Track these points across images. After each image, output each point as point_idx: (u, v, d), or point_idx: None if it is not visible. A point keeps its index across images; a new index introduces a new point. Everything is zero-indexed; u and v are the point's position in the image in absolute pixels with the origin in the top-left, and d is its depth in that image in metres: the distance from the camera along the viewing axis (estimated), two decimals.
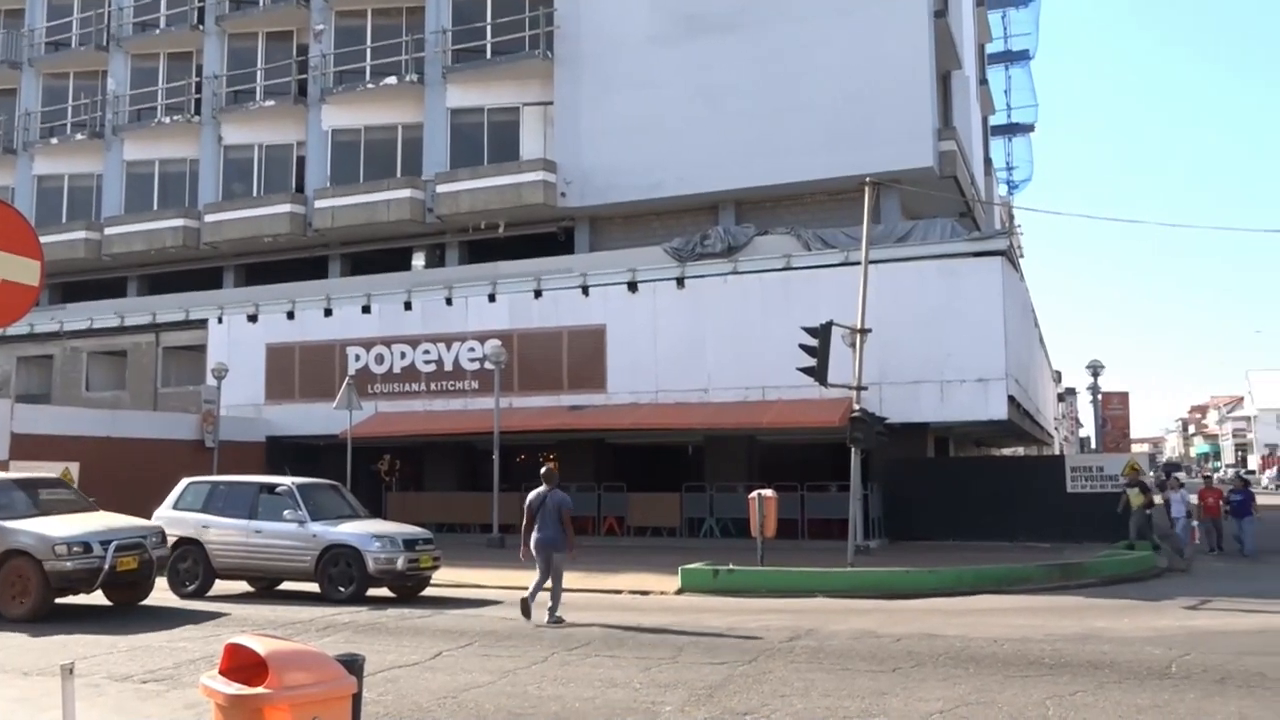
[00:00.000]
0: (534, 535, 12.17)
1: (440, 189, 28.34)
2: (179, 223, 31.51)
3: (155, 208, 32.72)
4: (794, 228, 25.01)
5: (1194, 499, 22.29)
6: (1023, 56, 43.23)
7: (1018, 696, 7.92)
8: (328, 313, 27.74)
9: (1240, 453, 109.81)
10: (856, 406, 17.78)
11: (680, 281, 24.66)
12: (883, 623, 11.87)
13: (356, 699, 5.16)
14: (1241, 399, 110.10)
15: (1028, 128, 44.74)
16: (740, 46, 26.10)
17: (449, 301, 26.67)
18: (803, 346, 17.67)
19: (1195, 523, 21.09)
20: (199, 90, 32.63)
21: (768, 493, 17.11)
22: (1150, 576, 16.84)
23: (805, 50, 25.47)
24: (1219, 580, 16.45)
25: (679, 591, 15.40)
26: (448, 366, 26.49)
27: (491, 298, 26.32)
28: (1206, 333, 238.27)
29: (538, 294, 25.92)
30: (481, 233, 29.07)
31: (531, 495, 12.40)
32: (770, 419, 22.31)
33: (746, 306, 23.76)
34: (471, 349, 26.06)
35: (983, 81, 36.31)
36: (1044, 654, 9.67)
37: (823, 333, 17.52)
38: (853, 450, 17.53)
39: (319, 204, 29.61)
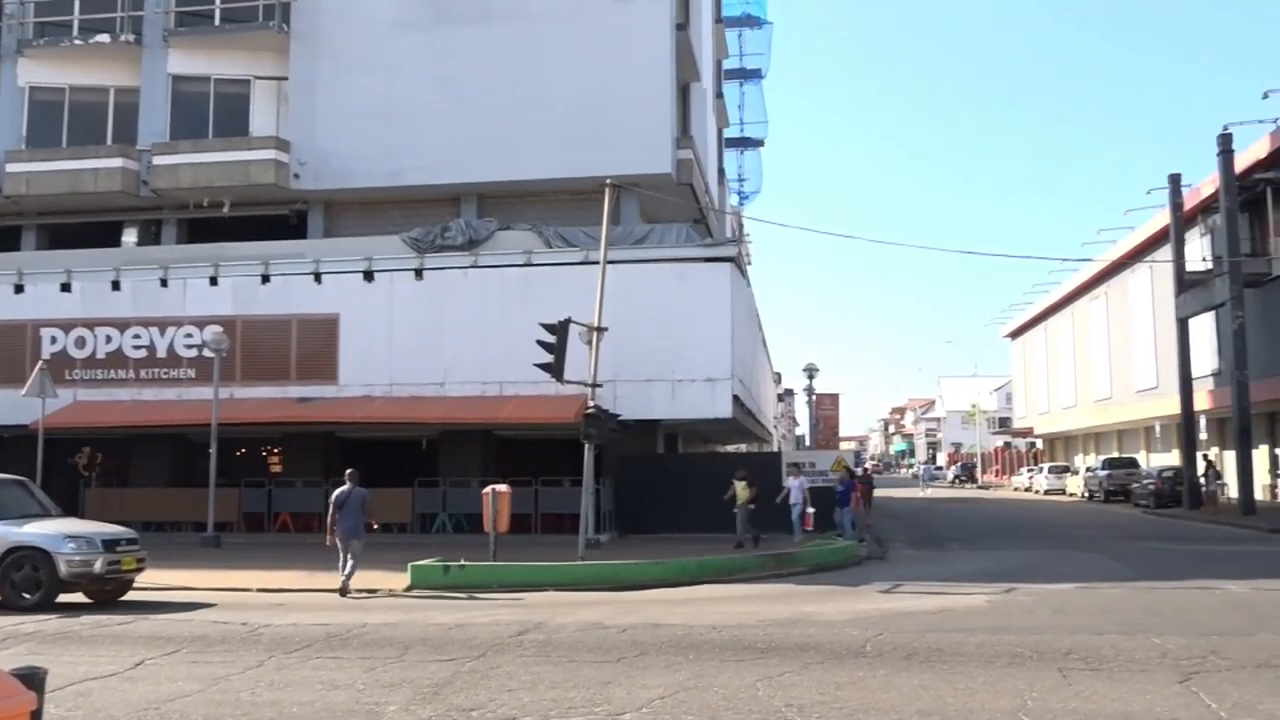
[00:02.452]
0: (339, 525, 14.73)
1: (158, 160, 26.23)
2: None
3: None
4: (536, 224, 25.15)
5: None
6: (755, 75, 45.70)
7: (732, 680, 8.37)
8: (19, 289, 25.02)
9: (931, 450, 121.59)
10: (591, 403, 18.13)
11: (419, 273, 24.19)
12: (610, 614, 12.18)
13: (36, 716, 4.66)
14: (934, 402, 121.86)
15: (758, 142, 47.36)
16: (488, 39, 25.92)
17: (164, 283, 24.79)
18: (541, 343, 17.80)
19: (810, 509, 20.83)
20: None
21: (502, 487, 17.10)
22: (852, 564, 18.28)
23: (552, 49, 25.66)
24: (910, 566, 18.11)
25: (409, 589, 15.11)
26: (161, 353, 24.61)
27: (213, 281, 24.70)
28: (907, 341, 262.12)
29: (265, 279, 24.58)
30: (204, 211, 27.18)
31: (337, 491, 15.05)
32: (507, 414, 22.34)
33: (486, 301, 23.66)
34: (189, 335, 24.35)
35: (719, 95, 38.04)
36: (757, 639, 10.27)
37: (561, 330, 17.72)
38: (586, 446, 17.86)
39: (11, 168, 26.59)
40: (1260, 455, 37.71)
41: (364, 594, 14.77)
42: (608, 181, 19.18)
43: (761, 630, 10.79)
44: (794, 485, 21.14)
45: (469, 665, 9.12)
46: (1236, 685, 7.86)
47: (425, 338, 23.73)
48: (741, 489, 20.33)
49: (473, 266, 24.12)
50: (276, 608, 13.23)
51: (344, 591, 14.45)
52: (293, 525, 24.22)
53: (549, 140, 25.28)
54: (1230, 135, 32.67)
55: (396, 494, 24.10)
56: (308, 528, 24.10)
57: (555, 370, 17.63)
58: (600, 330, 18.33)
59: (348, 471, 15.42)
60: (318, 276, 24.40)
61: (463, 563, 15.66)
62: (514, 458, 26.32)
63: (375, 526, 16.61)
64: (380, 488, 24.12)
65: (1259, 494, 34.48)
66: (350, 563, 14.60)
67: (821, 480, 23.65)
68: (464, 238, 24.78)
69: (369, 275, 24.21)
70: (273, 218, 27.27)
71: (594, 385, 18.19)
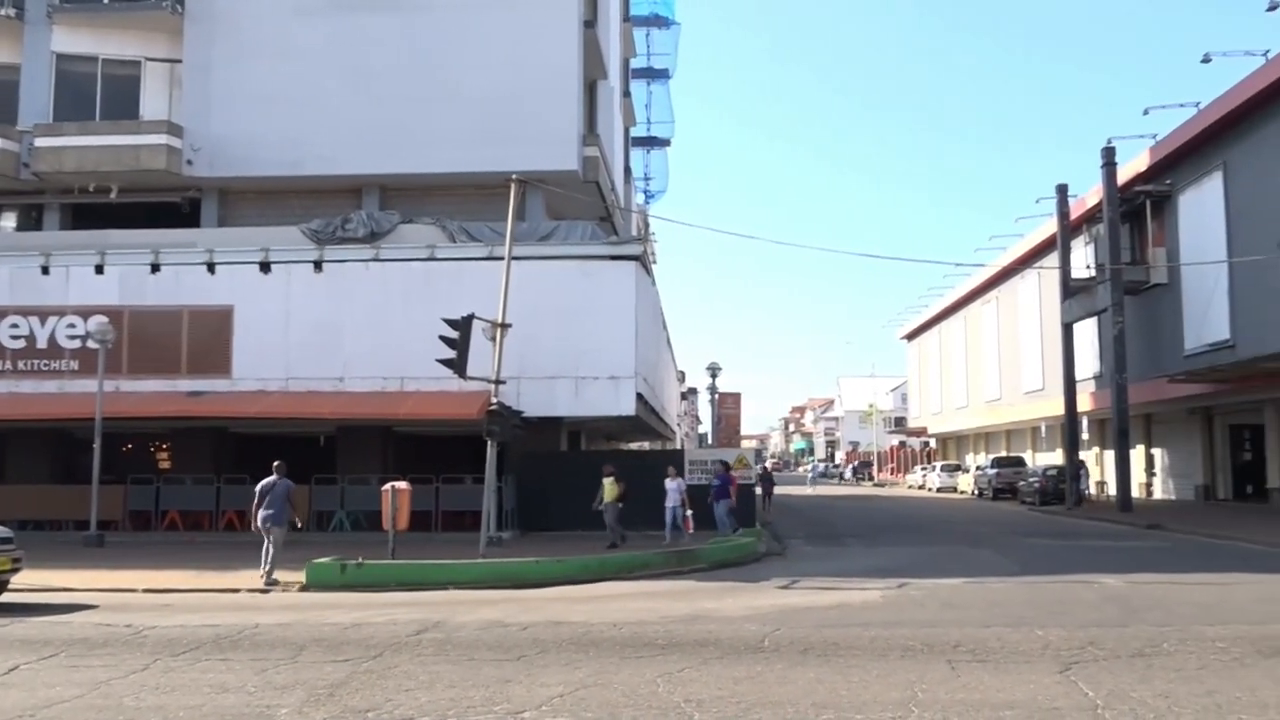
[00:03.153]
0: (261, 513, 15.31)
1: (40, 142, 25.06)
2: None
3: None
4: (440, 218, 24.83)
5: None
6: (663, 75, 45.92)
7: (633, 676, 8.41)
8: None
9: (830, 448, 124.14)
10: (494, 400, 18.00)
11: (318, 265, 23.66)
12: (511, 612, 12.11)
13: None
14: (833, 401, 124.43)
15: (664, 142, 47.60)
16: (393, 29, 25.50)
17: (46, 270, 23.73)
18: (443, 338, 17.59)
19: (689, 512, 20.39)
20: None
21: (401, 485, 16.86)
22: (752, 561, 18.53)
23: (459, 42, 25.39)
24: (808, 562, 18.45)
25: (304, 588, 14.76)
26: (41, 344, 23.55)
27: (99, 269, 23.73)
28: (808, 342, 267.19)
29: (155, 268, 23.73)
30: (90, 196, 26.09)
31: (263, 482, 15.59)
32: (408, 410, 22.01)
33: (388, 295, 23.28)
34: (72, 325, 23.36)
35: (626, 94, 38.13)
36: (658, 635, 10.34)
37: (464, 325, 17.55)
38: (489, 443, 17.72)
39: None
40: (1137, 455, 39.54)
41: (257, 593, 14.39)
42: (513, 177, 19.05)
43: (662, 627, 10.87)
44: (672, 487, 20.60)
45: (365, 665, 8.97)
46: (1112, 674, 8.22)
47: (324, 331, 23.21)
48: (609, 486, 19.73)
49: (374, 260, 23.69)
50: (163, 609, 12.78)
51: (267, 582, 14.85)
52: (182, 524, 23.42)
53: (455, 134, 25.00)
54: (1113, 149, 34.18)
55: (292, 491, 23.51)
56: (198, 526, 23.37)
57: (458, 366, 17.44)
58: (504, 326, 18.20)
59: (275, 464, 15.87)
60: (211, 267, 23.65)
61: (360, 561, 15.37)
62: (415, 454, 25.94)
63: (300, 524, 16.62)
64: None
65: (1136, 492, 36.15)
66: (272, 552, 15.13)
67: (718, 480, 23.93)
68: (366, 230, 24.33)
69: (266, 266, 23.56)
70: (164, 205, 26.33)
71: (497, 382, 18.05)
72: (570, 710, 7.33)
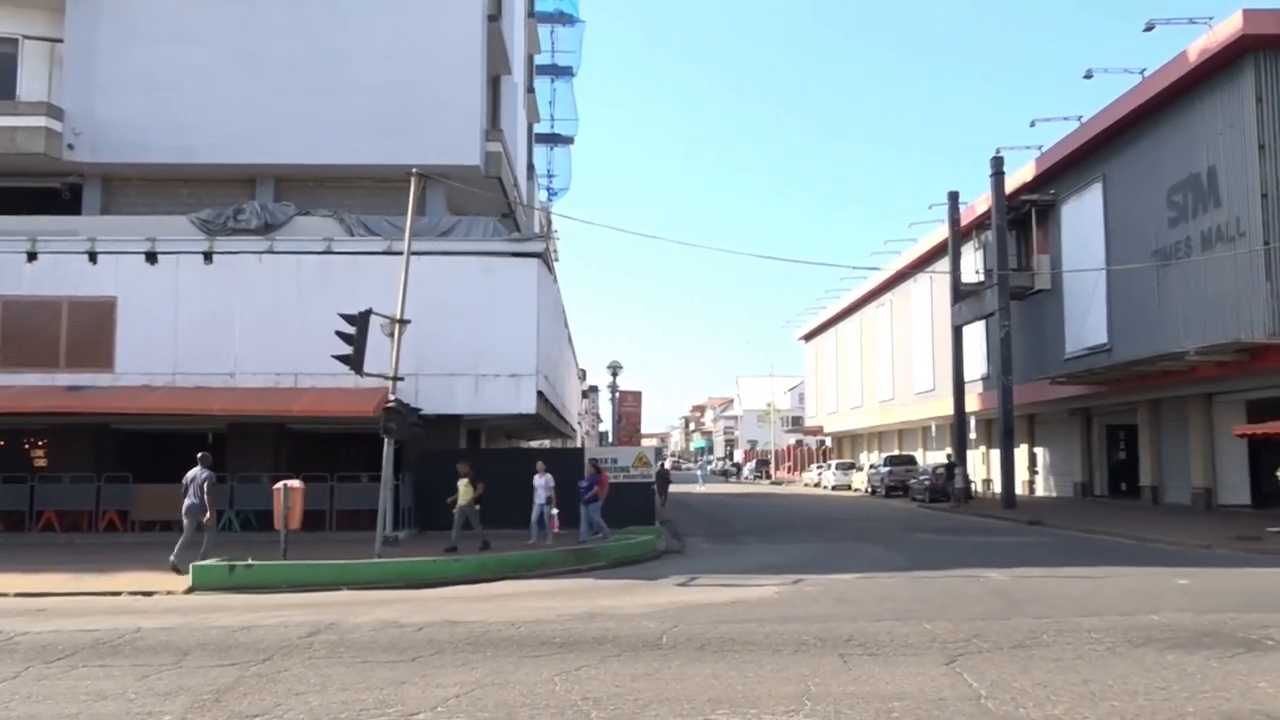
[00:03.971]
0: (184, 503, 15.91)
1: None
2: None
3: None
4: (337, 211, 24.30)
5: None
6: (567, 72, 45.78)
7: (530, 675, 8.37)
8: None
9: (729, 447, 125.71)
10: (392, 397, 17.70)
11: (209, 256, 22.89)
12: (407, 612, 11.93)
13: None
14: (732, 400, 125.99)
15: (568, 139, 47.46)
16: (290, 16, 24.84)
17: None
18: (340, 334, 17.22)
19: (554, 511, 19.77)
20: None
21: (294, 483, 16.46)
22: (651, 558, 18.66)
23: (358, 32, 24.88)
24: (706, 559, 18.65)
25: (190, 590, 14.28)
26: None
27: None
28: (708, 342, 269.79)
29: (32, 256, 22.63)
30: None
31: (188, 474, 16.14)
32: (302, 407, 21.46)
33: (282, 288, 22.68)
34: None
35: (530, 90, 37.92)
36: (555, 634, 10.32)
37: (361, 321, 17.21)
38: (386, 441, 17.43)
39: None
40: (1021, 454, 41.09)
41: (140, 595, 13.85)
42: (414, 170, 18.75)
43: (560, 625, 10.85)
44: (539, 483, 19.91)
45: (254, 669, 8.72)
46: (995, 665, 8.53)
47: (214, 325, 22.48)
48: (464, 488, 18.99)
49: (269, 252, 23.03)
50: (37, 614, 12.21)
51: (175, 569, 15.31)
52: (59, 524, 22.38)
53: (354, 125, 24.49)
54: (1002, 159, 35.47)
55: (178, 490, 22.71)
56: (76, 527, 22.39)
57: (355, 362, 17.10)
58: (403, 322, 17.91)
59: (200, 455, 16.46)
60: (93, 256, 22.67)
61: (250, 562, 14.95)
62: (309, 452, 25.33)
63: (208, 517, 16.14)
64: (159, 483, 22.78)
65: (1019, 489, 37.57)
66: (180, 541, 15.73)
67: (623, 477, 24.05)
68: (259, 221, 23.64)
69: (152, 257, 22.69)
70: (42, 191, 25.14)
71: (395, 378, 17.76)
72: (466, 711, 7.26)
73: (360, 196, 25.56)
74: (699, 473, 73.02)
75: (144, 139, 24.34)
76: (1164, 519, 26.21)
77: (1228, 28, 24.88)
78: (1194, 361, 26.17)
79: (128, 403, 21.52)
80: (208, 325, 22.46)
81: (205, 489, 16.01)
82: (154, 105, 24.34)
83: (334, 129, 24.48)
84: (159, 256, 22.71)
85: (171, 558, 15.64)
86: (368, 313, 17.41)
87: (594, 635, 10.22)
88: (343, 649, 9.64)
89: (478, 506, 19.06)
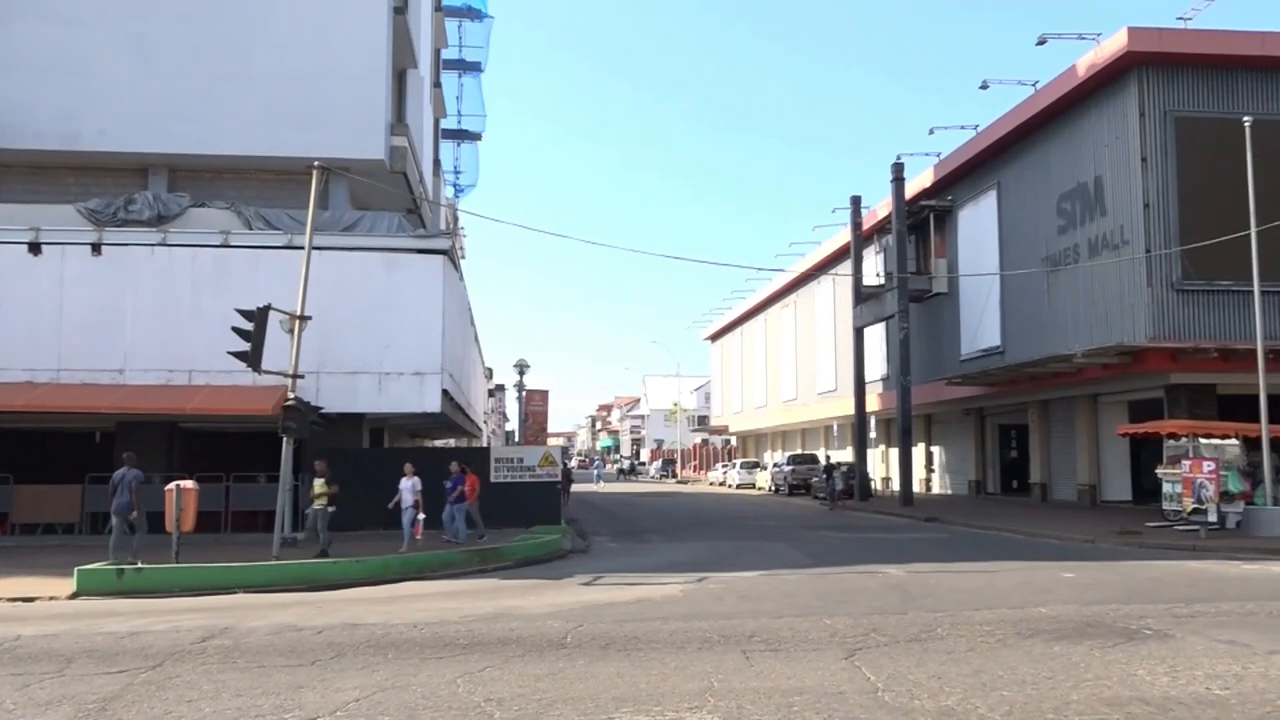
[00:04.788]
0: (113, 502, 16.06)
1: None
2: None
3: None
4: (235, 203, 23.59)
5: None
6: (475, 67, 45.34)
7: (432, 677, 8.27)
8: None
9: (636, 446, 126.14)
10: (291, 395, 17.28)
11: (97, 247, 21.97)
12: (305, 615, 11.67)
13: None
14: (639, 400, 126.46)
15: (475, 135, 46.99)
16: (186, 2, 24.01)
17: None
18: (237, 330, 16.75)
19: (421, 515, 18.66)
20: None
21: (187, 484, 15.94)
22: (557, 557, 18.63)
23: (260, 19, 24.21)
24: (612, 558, 18.70)
25: (74, 595, 13.71)
26: None
27: None
28: (616, 341, 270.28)
29: None
30: None
31: (116, 474, 16.27)
32: (196, 405, 20.78)
33: (176, 282, 21.92)
34: None
35: (436, 85, 37.43)
36: (459, 635, 10.22)
37: (259, 316, 16.78)
38: (285, 440, 17.01)
39: None
40: (919, 452, 42.24)
41: (20, 601, 13.23)
42: (316, 163, 18.33)
43: (464, 626, 10.75)
44: (405, 486, 18.82)
45: (143, 677, 8.42)
46: (891, 659, 8.75)
47: (103, 320, 21.59)
48: (319, 486, 17.49)
49: (161, 245, 22.22)
50: None
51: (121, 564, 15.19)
52: None
53: (253, 115, 23.81)
54: (902, 165, 36.41)
55: (63, 491, 21.85)
56: None
57: (252, 360, 16.65)
58: (303, 319, 17.50)
59: (125, 455, 16.59)
60: None
61: (140, 565, 14.44)
62: (204, 452, 24.58)
63: (136, 515, 16.20)
64: (44, 484, 21.84)
65: (917, 487, 38.62)
66: (111, 543, 15.81)
67: (529, 476, 23.94)
68: (152, 212, 22.79)
69: (36, 247, 21.68)
70: None
71: (295, 376, 17.34)
72: (366, 714, 7.14)
73: (259, 189, 24.86)
74: (595, 472, 73.25)
75: (25, 124, 23.26)
76: (1052, 515, 27.25)
77: (1114, 44, 25.98)
78: (1081, 364, 27.27)
79: (8, 400, 20.51)
80: (96, 320, 21.57)
81: (134, 488, 16.06)
82: (35, 89, 23.27)
83: (232, 118, 23.76)
84: (43, 247, 21.73)
85: (110, 559, 15.28)
86: (266, 308, 16.97)
87: (498, 636, 10.15)
88: (238, 654, 9.38)
89: (332, 508, 17.45)
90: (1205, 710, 6.94)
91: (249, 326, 16.68)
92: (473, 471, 20.67)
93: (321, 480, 17.63)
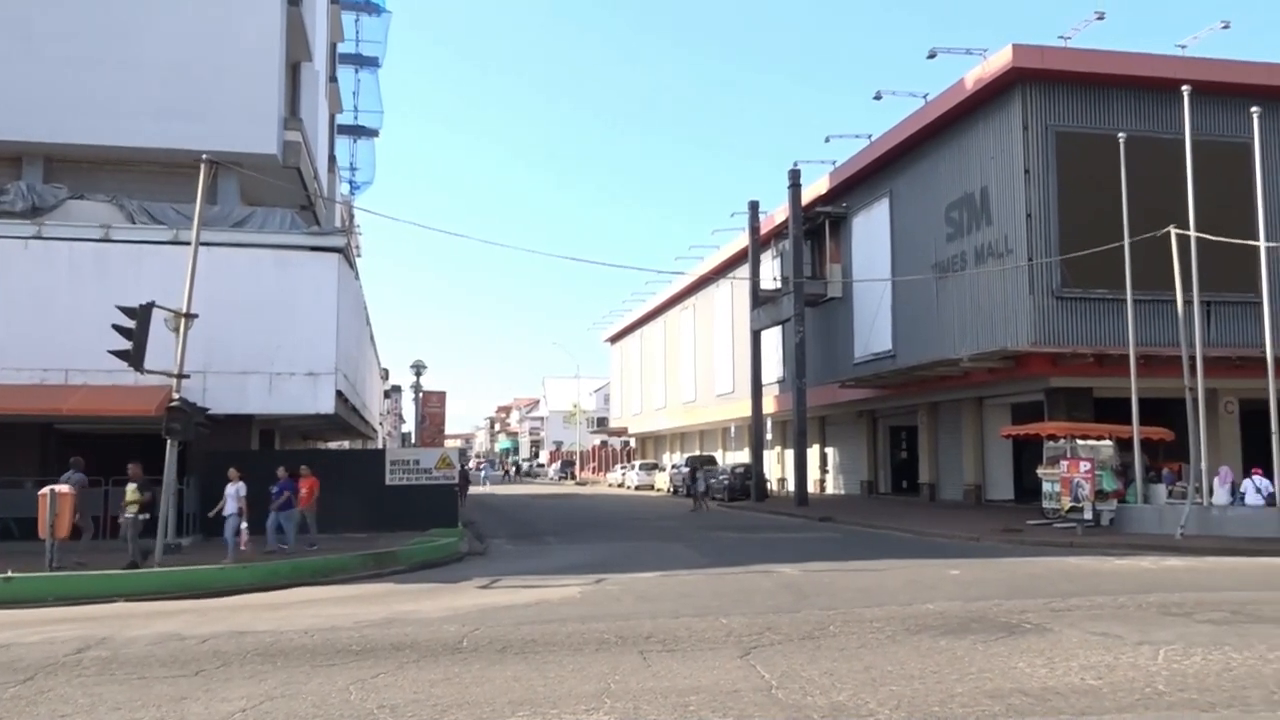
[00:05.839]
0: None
1: None
2: None
3: None
4: (117, 196, 22.65)
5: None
6: (372, 62, 44.48)
7: (323, 685, 8.08)
8: None
9: (535, 448, 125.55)
10: (176, 395, 16.72)
11: None
12: (190, 624, 11.28)
13: None
14: (538, 401, 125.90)
15: (373, 132, 46.09)
16: None
17: None
18: (118, 327, 16.11)
19: (244, 523, 17.60)
20: None
21: (62, 488, 15.28)
22: (454, 561, 18.41)
23: (147, 6, 23.32)
24: (510, 560, 18.57)
25: None
26: None
27: None
28: (515, 342, 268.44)
29: None
30: None
31: (63, 476, 16.29)
32: (73, 405, 19.87)
33: (52, 277, 20.94)
34: None
35: (332, 79, 36.62)
36: (352, 641, 10.01)
37: (142, 314, 16.18)
38: (169, 442, 16.42)
39: None
40: (814, 454, 43.10)
41: None
42: (204, 156, 17.76)
43: (357, 632, 10.54)
44: (230, 493, 17.67)
45: (11, 691, 8.01)
46: (785, 656, 8.91)
47: None
48: (131, 493, 16.45)
49: (36, 237, 21.18)
50: None
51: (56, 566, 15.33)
52: None
53: (138, 104, 22.91)
54: (799, 171, 37.11)
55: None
56: None
57: (134, 358, 16.03)
58: (189, 317, 16.93)
59: (71, 459, 16.75)
60: None
61: (9, 574, 13.73)
62: (82, 454, 23.45)
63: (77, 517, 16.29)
64: None
65: (812, 487, 39.41)
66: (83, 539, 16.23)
67: (426, 478, 23.62)
68: (25, 204, 21.71)
69: None
70: None
71: (180, 376, 16.77)
72: None
73: (144, 182, 23.93)
74: (481, 474, 72.79)
75: None
76: (940, 514, 28.13)
77: (1000, 60, 26.98)
78: (967, 367, 28.22)
79: None
80: None
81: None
82: None
83: (115, 107, 22.82)
84: None
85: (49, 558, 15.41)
86: (150, 305, 16.38)
87: (392, 641, 9.98)
88: (116, 665, 9.00)
89: (144, 516, 16.47)
90: (1080, 699, 7.25)
91: (131, 324, 16.06)
92: (313, 474, 19.92)
93: (134, 486, 16.50)
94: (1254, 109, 21.99)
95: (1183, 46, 27.87)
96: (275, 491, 18.84)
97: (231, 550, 17.29)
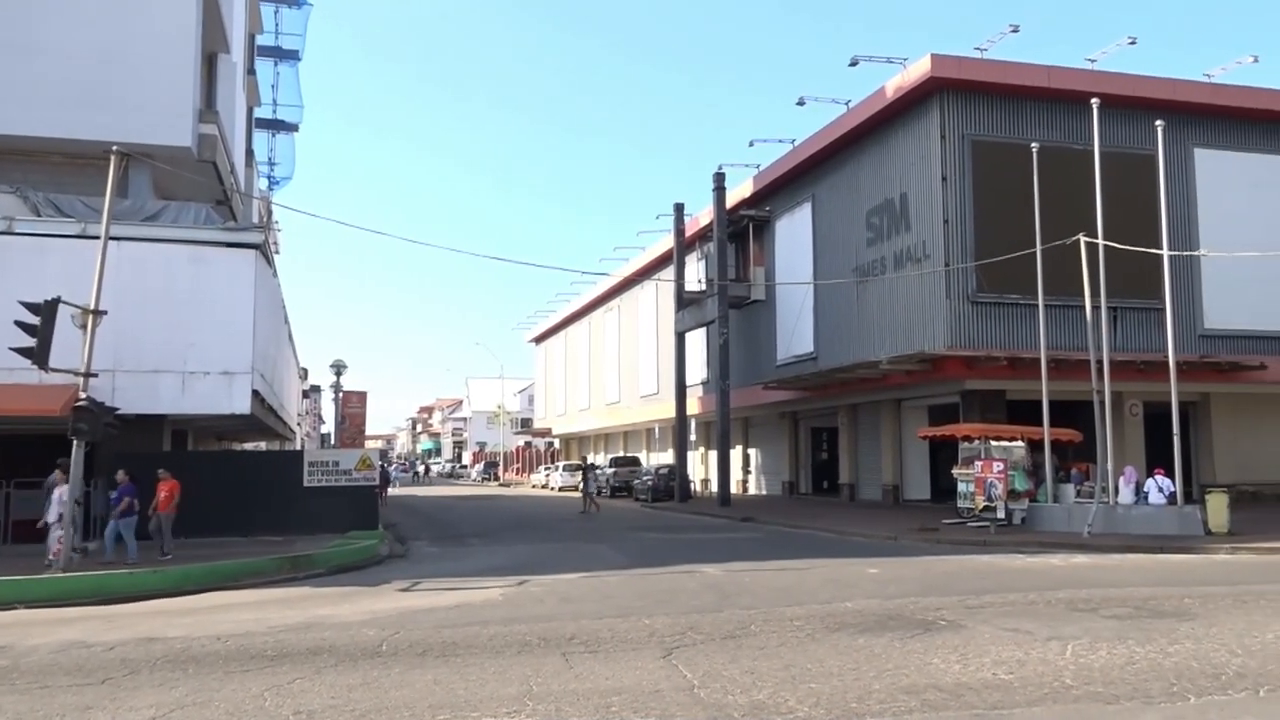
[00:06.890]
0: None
1: None
2: None
3: None
4: (20, 187, 21.79)
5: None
6: (292, 56, 43.57)
7: (237, 691, 7.89)
8: None
9: (458, 449, 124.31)
10: (83, 395, 16.14)
11: None
12: (96, 630, 10.91)
13: None
14: (461, 402, 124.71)
15: (293, 126, 45.15)
16: None
17: None
18: (20, 324, 15.51)
19: (60, 533, 16.39)
20: None
21: None
22: (374, 563, 18.12)
23: None
24: (431, 563, 18.35)
25: None
26: None
27: None
28: (437, 342, 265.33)
29: None
30: None
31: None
32: None
33: None
34: None
35: (251, 71, 35.79)
36: (267, 646, 9.79)
37: (47, 310, 15.60)
38: (75, 443, 15.86)
39: None
40: (736, 455, 43.46)
41: None
42: (114, 148, 17.19)
43: (272, 637, 10.31)
44: (55, 497, 16.76)
45: None
46: (707, 656, 8.97)
47: None
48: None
49: None
50: None
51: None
52: None
53: (44, 92, 22.09)
54: (723, 175, 37.39)
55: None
56: None
57: (38, 356, 15.45)
58: (98, 313, 16.37)
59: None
60: None
61: None
62: None
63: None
64: None
65: (734, 488, 39.73)
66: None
67: (346, 480, 23.24)
68: None
69: None
70: None
71: (88, 375, 16.20)
72: None
73: (49, 173, 23.07)
74: (392, 473, 71.94)
75: None
76: (859, 514, 28.61)
77: (919, 69, 27.56)
78: (886, 370, 28.74)
79: None
80: None
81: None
82: None
83: (19, 95, 21.96)
84: None
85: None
86: (55, 301, 15.80)
87: (309, 646, 9.78)
88: (16, 675, 8.67)
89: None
90: (992, 694, 7.44)
91: (35, 320, 15.48)
92: (172, 477, 18.71)
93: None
94: (1158, 122, 22.83)
95: (1092, 61, 28.84)
96: (114, 498, 17.74)
97: (50, 559, 16.27)
